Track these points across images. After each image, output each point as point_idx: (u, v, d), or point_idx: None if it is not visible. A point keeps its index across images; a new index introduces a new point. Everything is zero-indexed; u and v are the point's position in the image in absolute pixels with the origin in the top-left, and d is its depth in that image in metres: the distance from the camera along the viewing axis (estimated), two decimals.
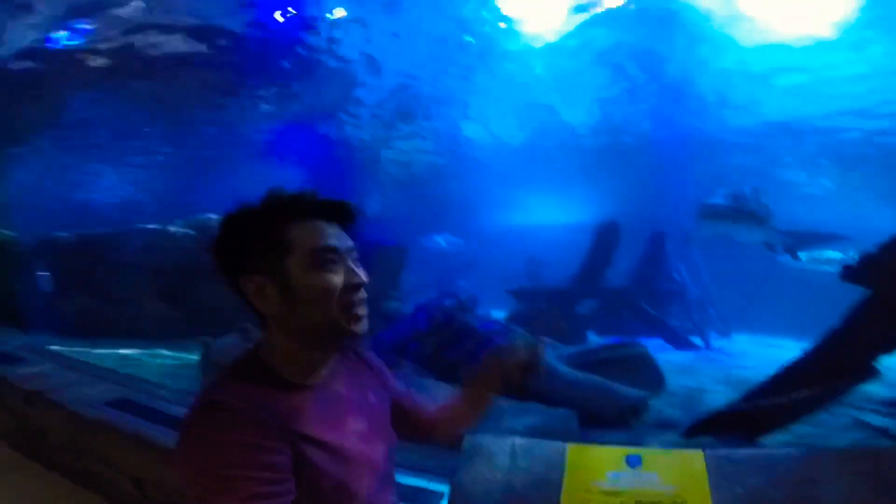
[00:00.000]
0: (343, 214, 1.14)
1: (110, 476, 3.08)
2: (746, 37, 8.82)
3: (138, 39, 8.15)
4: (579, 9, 8.71)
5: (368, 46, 9.57)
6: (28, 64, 8.36)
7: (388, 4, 8.36)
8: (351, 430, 1.15)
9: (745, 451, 2.00)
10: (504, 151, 13.92)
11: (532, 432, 3.93)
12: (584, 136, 12.51)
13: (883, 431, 4.02)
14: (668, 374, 7.02)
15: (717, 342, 9.61)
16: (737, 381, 6.07)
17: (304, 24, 8.67)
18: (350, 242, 1.14)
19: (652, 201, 12.21)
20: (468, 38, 9.62)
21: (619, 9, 8.58)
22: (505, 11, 8.89)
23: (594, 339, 8.55)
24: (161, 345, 5.79)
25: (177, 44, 8.39)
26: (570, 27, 9.22)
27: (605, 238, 9.08)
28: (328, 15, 8.65)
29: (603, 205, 11.41)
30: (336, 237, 1.11)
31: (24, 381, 3.64)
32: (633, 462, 1.88)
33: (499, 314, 9.59)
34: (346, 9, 8.47)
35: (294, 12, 8.38)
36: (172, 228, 7.30)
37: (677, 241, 10.02)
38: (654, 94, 10.83)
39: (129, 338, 6.15)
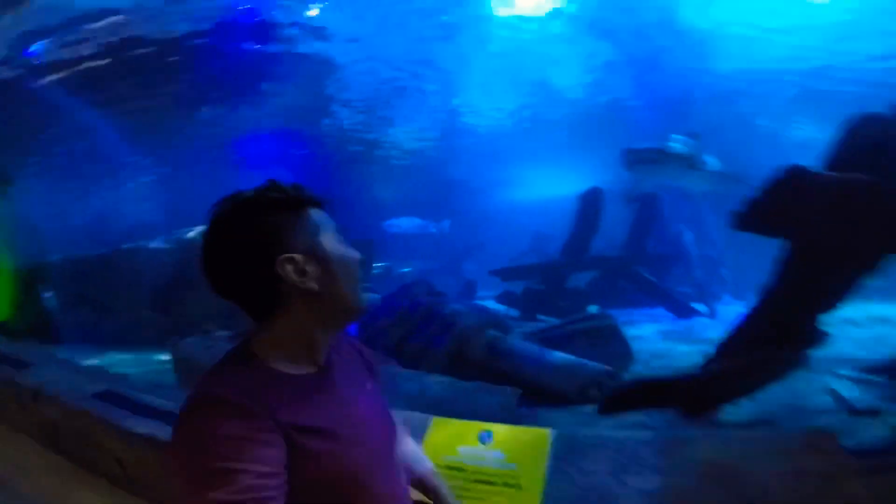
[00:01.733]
0: (326, 205, 1.23)
1: (101, 457, 3.54)
2: None
3: (113, 56, 8.49)
4: None
5: (348, 36, 9.69)
6: None
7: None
8: (351, 416, 1.17)
9: (594, 435, 2.08)
10: (502, 128, 13.91)
11: (470, 412, 4.02)
12: (579, 105, 12.41)
13: (848, 404, 3.87)
14: (657, 344, 7.08)
15: (732, 306, 8.76)
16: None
17: (276, 23, 8.89)
18: None
19: None
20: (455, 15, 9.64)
21: None
22: None
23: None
24: (157, 349, 6.30)
25: (150, 58, 8.70)
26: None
27: (589, 207, 9.00)
28: (306, 12, 8.84)
29: (602, 172, 11.30)
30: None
31: (30, 381, 4.24)
32: (484, 438, 1.93)
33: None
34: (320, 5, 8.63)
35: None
36: (153, 245, 8.05)
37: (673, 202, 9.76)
38: (639, 60, 10.68)
39: (126, 344, 6.83)
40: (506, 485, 1.77)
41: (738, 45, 9.88)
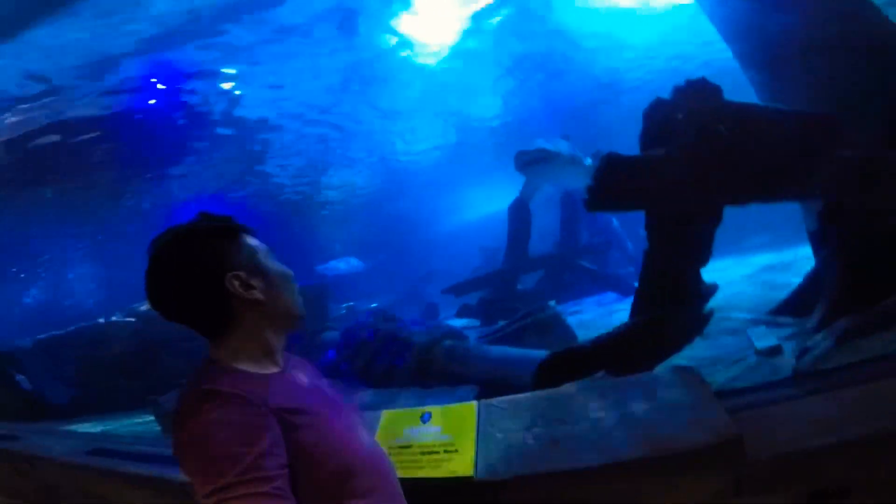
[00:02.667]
0: (254, 233, 1.39)
1: None
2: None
3: (38, 141, 8.65)
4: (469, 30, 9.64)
5: (266, 99, 10.17)
6: None
7: (278, 53, 8.94)
8: (323, 398, 1.31)
9: (506, 399, 2.40)
10: (431, 160, 14.72)
11: None
12: (494, 129, 13.49)
13: (754, 347, 4.21)
14: (605, 323, 7.58)
15: None
16: None
17: (192, 92, 9.23)
18: None
19: None
20: (372, 65, 10.30)
21: (497, 20, 9.59)
22: (401, 32, 9.63)
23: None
24: (134, 413, 6.57)
25: (76, 139, 8.89)
26: (459, 38, 10.15)
27: (517, 215, 9.71)
28: (222, 83, 9.25)
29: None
30: None
31: (23, 449, 4.32)
32: (425, 419, 2.25)
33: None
34: (235, 68, 9.06)
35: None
36: (114, 319, 8.46)
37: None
38: (541, 79, 11.79)
39: (104, 413, 7.02)
40: (446, 451, 2.11)
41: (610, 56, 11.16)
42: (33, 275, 12.48)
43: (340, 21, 8.78)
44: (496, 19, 9.69)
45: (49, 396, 8.23)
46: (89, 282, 13.34)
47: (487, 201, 15.59)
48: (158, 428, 5.21)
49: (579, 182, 9.06)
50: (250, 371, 1.22)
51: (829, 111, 3.36)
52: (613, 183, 3.29)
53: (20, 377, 8.42)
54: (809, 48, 3.73)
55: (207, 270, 1.23)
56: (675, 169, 3.12)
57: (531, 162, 9.02)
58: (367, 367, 5.88)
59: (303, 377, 1.35)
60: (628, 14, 10.34)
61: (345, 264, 15.58)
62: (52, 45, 6.84)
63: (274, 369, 1.28)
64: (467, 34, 9.99)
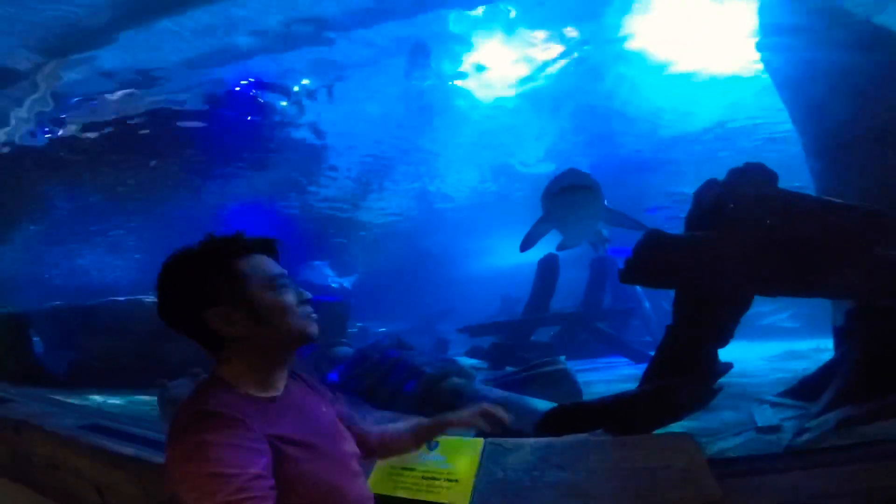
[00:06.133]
0: (273, 248, 1.35)
1: (79, 486, 3.75)
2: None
3: (119, 127, 9.20)
4: (532, 73, 9.99)
5: (331, 116, 10.65)
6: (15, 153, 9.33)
7: (352, 73, 9.39)
8: (318, 429, 1.29)
9: (513, 440, 2.50)
10: (471, 199, 15.06)
11: None
12: (533, 175, 13.60)
13: (754, 423, 4.29)
14: (612, 385, 7.56)
15: None
16: None
17: (271, 98, 9.75)
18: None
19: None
20: (431, 101, 10.78)
21: (561, 67, 9.87)
22: (468, 74, 10.05)
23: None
24: (141, 392, 6.67)
25: (156, 127, 9.45)
26: (520, 86, 10.50)
27: (546, 270, 9.84)
28: (295, 87, 9.73)
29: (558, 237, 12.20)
30: (278, 266, 1.33)
31: (13, 414, 4.43)
32: (432, 446, 2.34)
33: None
34: (310, 79, 9.54)
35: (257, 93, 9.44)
36: (146, 299, 8.64)
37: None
38: (583, 133, 12.05)
39: (111, 388, 7.18)
40: (446, 480, 2.27)
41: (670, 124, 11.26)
42: (84, 246, 12.93)
43: (412, 51, 9.16)
44: (557, 66, 9.83)
45: (55, 365, 8.50)
46: (130, 262, 13.77)
47: (516, 250, 15.71)
48: (158, 412, 5.28)
49: (596, 215, 9.00)
50: (251, 394, 1.23)
51: (879, 205, 3.37)
52: (652, 259, 3.30)
53: (36, 339, 8.82)
54: (870, 138, 3.78)
55: (187, 304, 1.23)
56: (716, 254, 3.15)
57: (572, 188, 8.28)
58: (375, 387, 5.93)
59: (305, 402, 1.36)
60: (700, 80, 10.23)
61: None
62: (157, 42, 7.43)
63: (274, 393, 1.29)
64: (526, 80, 10.26)
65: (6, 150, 9.22)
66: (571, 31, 9.02)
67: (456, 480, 2.24)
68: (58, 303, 9.56)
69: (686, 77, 10.20)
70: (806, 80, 4.80)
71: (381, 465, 2.35)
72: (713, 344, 3.67)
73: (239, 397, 1.20)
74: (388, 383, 5.90)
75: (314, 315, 1.34)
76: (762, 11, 6.42)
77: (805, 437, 3.24)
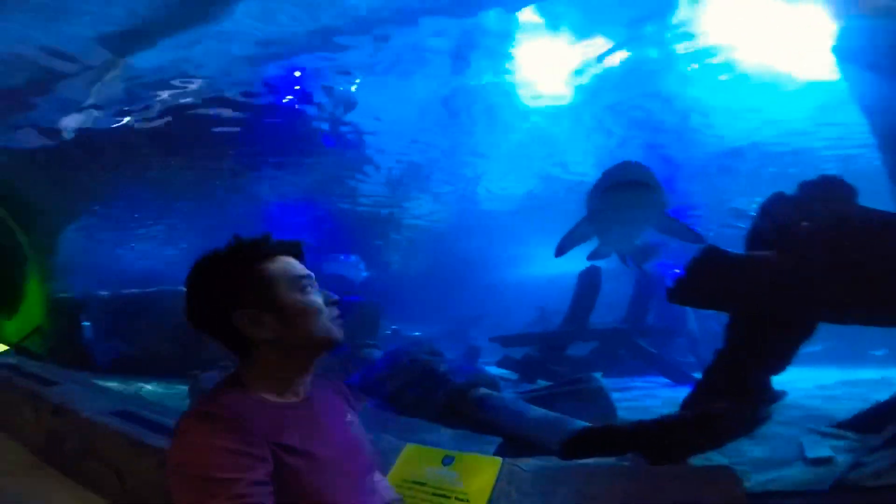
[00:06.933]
0: (299, 250, 1.34)
1: (101, 470, 3.84)
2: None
3: (172, 118, 9.47)
4: (579, 72, 9.73)
5: (378, 112, 10.63)
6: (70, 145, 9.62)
7: (395, 71, 9.29)
8: (330, 442, 1.26)
9: (532, 463, 2.39)
10: (513, 205, 14.77)
11: None
12: (575, 183, 13.17)
13: (804, 454, 4.09)
14: (650, 406, 7.28)
15: None
16: None
17: (319, 96, 9.84)
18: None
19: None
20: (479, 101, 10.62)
21: (614, 68, 9.48)
22: (513, 75, 9.83)
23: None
24: (177, 380, 6.92)
25: (207, 120, 9.68)
26: (570, 88, 10.23)
27: (587, 283, 9.55)
28: (341, 88, 9.81)
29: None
30: (303, 268, 1.31)
31: (53, 396, 4.64)
32: (447, 462, 2.28)
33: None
34: (359, 77, 9.52)
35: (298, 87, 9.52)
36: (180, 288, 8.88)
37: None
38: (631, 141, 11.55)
39: (151, 375, 7.46)
40: (457, 499, 2.13)
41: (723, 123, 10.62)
42: (141, 233, 13.50)
43: (455, 51, 8.99)
44: (602, 65, 9.40)
45: (102, 351, 8.87)
46: (184, 252, 14.32)
47: (556, 261, 15.41)
48: (189, 403, 5.39)
49: (649, 217, 7.90)
50: (265, 398, 1.22)
51: None
52: (707, 279, 3.05)
53: (86, 324, 9.19)
54: None
55: (216, 305, 1.23)
56: (779, 276, 2.85)
57: (627, 184, 7.00)
58: (399, 393, 5.86)
59: (324, 412, 1.33)
60: (766, 87, 9.42)
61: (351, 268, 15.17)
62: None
63: (293, 399, 1.27)
64: (573, 81, 9.96)
65: (78, 136, 9.56)
66: (629, 31, 8.60)
67: (467, 501, 2.11)
68: (105, 293, 9.93)
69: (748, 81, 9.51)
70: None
71: (391, 477, 2.25)
72: (768, 371, 3.46)
73: (251, 401, 1.18)
74: (413, 390, 5.83)
75: (340, 319, 1.32)
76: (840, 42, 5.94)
77: (858, 471, 3.00)
